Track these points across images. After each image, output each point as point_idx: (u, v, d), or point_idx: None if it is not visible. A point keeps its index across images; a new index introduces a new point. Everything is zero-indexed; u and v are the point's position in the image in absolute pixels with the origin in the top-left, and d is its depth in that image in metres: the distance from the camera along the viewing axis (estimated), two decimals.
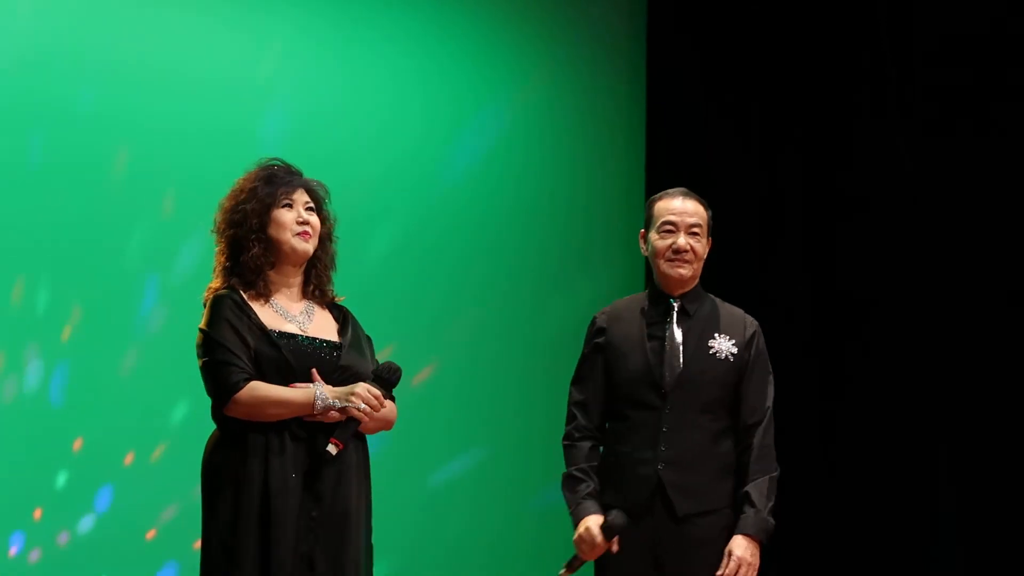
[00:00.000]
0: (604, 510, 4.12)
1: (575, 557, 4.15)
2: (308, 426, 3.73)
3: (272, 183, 3.85)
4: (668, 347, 4.19)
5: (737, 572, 4.07)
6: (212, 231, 3.88)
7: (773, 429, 4.22)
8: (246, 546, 3.65)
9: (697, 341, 4.20)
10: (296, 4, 5.90)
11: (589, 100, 6.71)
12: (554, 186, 6.57)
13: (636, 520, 4.07)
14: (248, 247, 3.81)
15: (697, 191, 4.34)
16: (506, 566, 6.25)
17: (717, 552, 4.10)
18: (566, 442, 4.30)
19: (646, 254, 4.30)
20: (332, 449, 3.69)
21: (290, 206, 3.86)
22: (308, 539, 3.70)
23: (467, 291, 6.26)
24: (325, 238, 3.93)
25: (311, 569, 3.69)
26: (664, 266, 4.22)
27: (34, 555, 5.13)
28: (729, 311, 4.30)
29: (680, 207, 4.24)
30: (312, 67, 5.93)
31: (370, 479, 3.89)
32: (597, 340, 4.29)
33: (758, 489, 4.12)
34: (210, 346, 3.74)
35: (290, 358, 3.75)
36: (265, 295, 3.84)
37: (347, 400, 3.71)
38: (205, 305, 3.82)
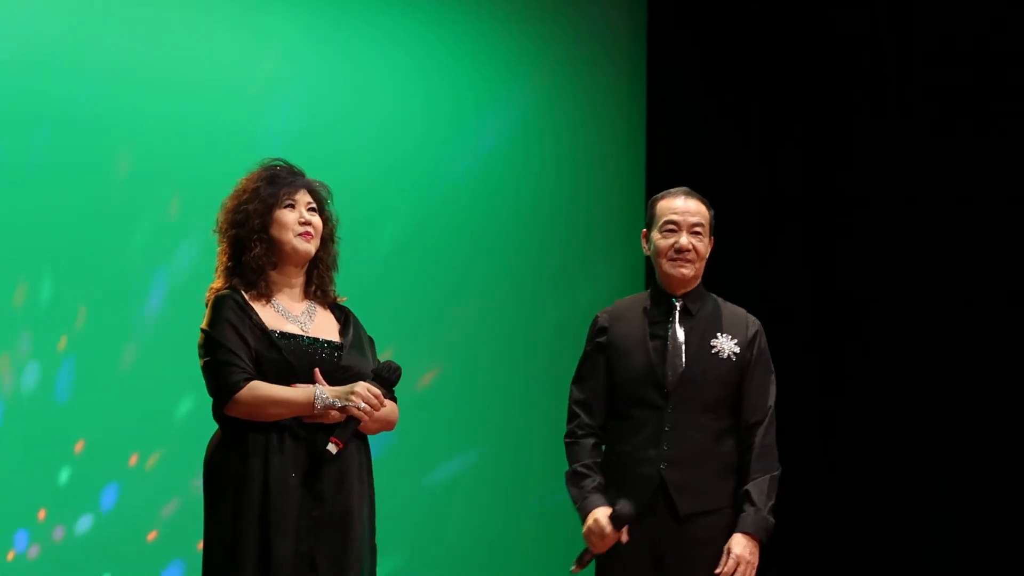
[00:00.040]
0: (611, 503, 4.10)
1: (585, 551, 4.13)
2: (309, 426, 3.73)
3: (275, 183, 3.85)
4: (670, 346, 4.19)
5: (736, 570, 4.07)
6: (214, 231, 3.88)
7: (775, 428, 4.22)
8: (246, 546, 3.65)
9: (699, 340, 4.20)
10: (296, 4, 5.89)
11: (589, 99, 6.71)
12: (554, 185, 6.57)
13: (638, 519, 4.07)
14: (250, 247, 3.81)
15: (697, 190, 4.33)
16: (507, 566, 6.25)
17: (718, 552, 4.10)
18: (568, 440, 4.29)
19: (648, 253, 4.30)
20: (332, 448, 3.69)
21: (292, 206, 3.86)
22: (309, 539, 3.70)
23: (467, 291, 6.25)
24: (327, 239, 3.93)
25: (312, 569, 3.69)
26: (666, 265, 4.22)
27: (38, 554, 5.13)
28: (731, 310, 4.30)
29: (682, 206, 4.24)
30: (312, 67, 5.93)
31: (372, 479, 3.89)
32: (599, 339, 4.29)
33: (758, 488, 4.12)
34: (211, 346, 3.75)
35: (291, 359, 3.76)
36: (267, 295, 3.84)
37: (347, 399, 3.71)
38: (207, 305, 3.82)
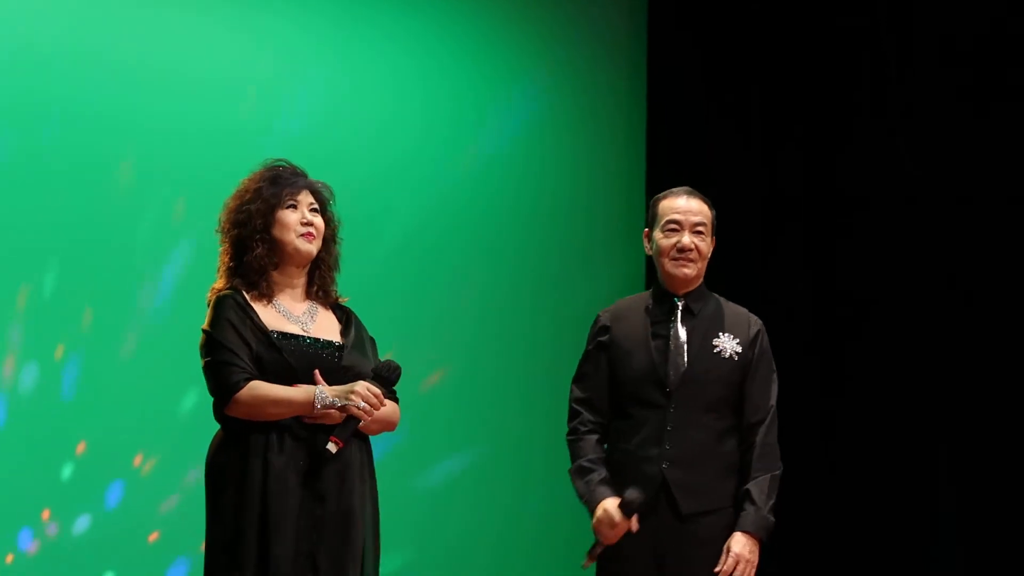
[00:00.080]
0: (618, 493, 4.09)
1: (596, 544, 4.10)
2: (310, 426, 3.73)
3: (277, 184, 3.85)
4: (673, 346, 4.19)
5: (735, 569, 4.07)
6: (216, 231, 3.89)
7: (776, 428, 4.22)
8: (247, 545, 3.66)
9: (701, 340, 4.20)
10: (296, 3, 5.89)
11: (590, 99, 6.71)
12: (555, 185, 6.57)
13: (639, 518, 4.06)
14: (252, 247, 3.81)
15: (698, 190, 4.34)
16: (508, 566, 6.25)
17: (719, 551, 4.10)
18: (571, 437, 4.28)
19: (650, 253, 4.30)
20: (332, 448, 3.70)
21: (295, 207, 3.86)
22: (311, 538, 3.71)
23: (468, 291, 6.25)
24: (329, 239, 3.94)
25: (314, 569, 3.70)
26: (668, 265, 4.22)
27: (41, 552, 5.13)
28: (733, 310, 4.30)
29: (684, 206, 4.24)
30: (312, 67, 5.92)
31: (375, 479, 3.89)
32: (601, 338, 4.29)
33: (759, 487, 4.13)
34: (212, 346, 3.76)
35: (291, 360, 3.76)
36: (268, 295, 3.84)
37: (347, 399, 3.71)
38: (208, 305, 3.83)
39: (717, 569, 4.07)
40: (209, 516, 3.78)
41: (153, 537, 5.36)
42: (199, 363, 3.80)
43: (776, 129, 6.57)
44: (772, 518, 4.13)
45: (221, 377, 3.72)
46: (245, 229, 3.82)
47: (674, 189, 4.31)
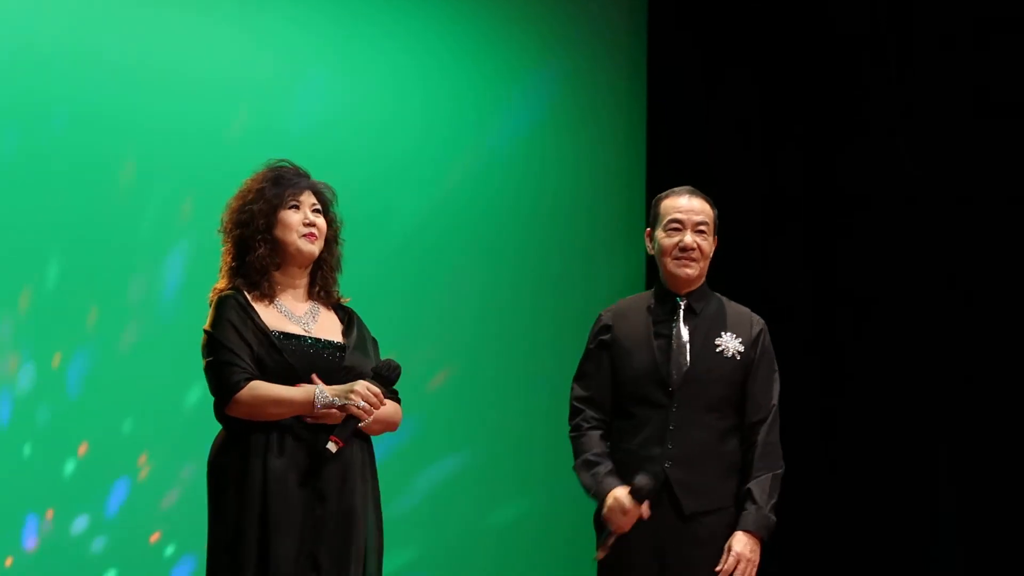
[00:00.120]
0: (627, 483, 4.08)
1: (608, 534, 4.07)
2: (311, 426, 3.73)
3: (279, 184, 3.86)
4: (675, 345, 4.19)
5: (736, 568, 4.07)
6: (219, 231, 3.89)
7: (778, 427, 4.22)
8: (248, 546, 3.66)
9: (704, 339, 4.20)
10: (297, 3, 5.88)
11: (590, 99, 6.72)
12: (555, 185, 6.57)
13: (643, 518, 4.06)
14: (254, 247, 3.82)
15: (698, 190, 4.34)
16: (508, 565, 6.25)
17: (721, 550, 4.10)
18: (573, 434, 4.27)
19: (652, 252, 4.30)
20: (332, 447, 3.70)
21: (297, 207, 3.86)
22: (313, 538, 3.70)
23: (469, 291, 6.25)
24: (331, 240, 3.94)
25: (316, 568, 3.70)
26: (671, 265, 4.22)
27: (45, 550, 5.13)
28: (736, 309, 4.30)
29: (687, 205, 4.24)
30: (312, 67, 5.91)
31: (377, 479, 3.89)
32: (602, 337, 4.29)
33: (760, 486, 4.13)
34: (213, 347, 3.76)
35: (292, 360, 3.76)
36: (270, 296, 3.85)
37: (346, 398, 3.71)
38: (210, 305, 3.83)
39: (718, 568, 4.07)
40: (211, 516, 3.78)
41: (157, 536, 5.36)
42: (201, 363, 3.80)
43: (776, 129, 6.58)
44: (773, 517, 4.13)
45: (222, 377, 3.73)
46: (247, 229, 3.82)
47: (676, 188, 4.31)
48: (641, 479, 4.02)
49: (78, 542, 5.18)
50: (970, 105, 6.02)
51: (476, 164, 6.31)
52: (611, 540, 4.06)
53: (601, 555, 4.08)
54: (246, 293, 3.81)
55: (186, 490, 5.24)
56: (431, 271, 6.13)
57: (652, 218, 4.30)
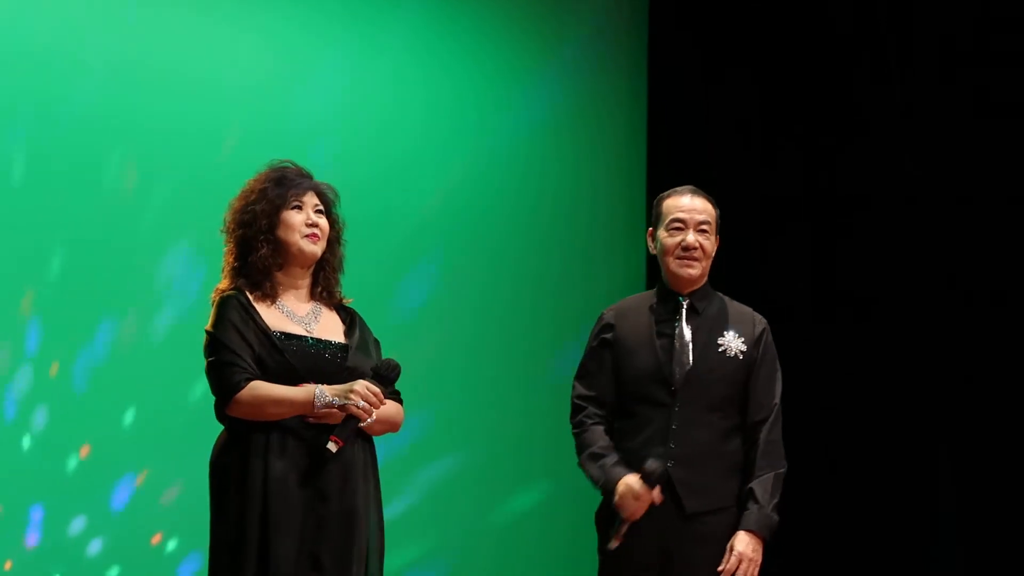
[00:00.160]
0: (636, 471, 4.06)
1: (621, 522, 4.04)
2: (313, 426, 3.74)
3: (282, 184, 3.87)
4: (677, 345, 4.18)
5: (738, 568, 4.07)
6: (221, 231, 3.90)
7: (781, 426, 4.22)
8: (248, 546, 3.67)
9: (706, 339, 4.20)
10: (297, 3, 5.88)
11: (591, 98, 6.72)
12: (556, 185, 6.58)
13: (645, 517, 4.05)
14: (257, 247, 3.83)
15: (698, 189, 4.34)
16: (509, 565, 6.25)
17: (723, 550, 4.09)
18: (576, 430, 4.26)
19: (654, 252, 4.30)
20: (332, 447, 3.71)
21: (300, 208, 3.87)
22: (314, 538, 3.71)
23: (469, 291, 6.26)
24: (334, 241, 3.95)
25: (317, 568, 3.71)
26: (673, 264, 4.22)
27: (46, 548, 5.14)
28: (738, 309, 4.30)
29: (689, 204, 4.24)
30: (312, 67, 5.92)
31: (378, 479, 3.90)
32: (604, 336, 4.28)
33: (762, 485, 4.12)
34: (214, 347, 3.78)
35: (294, 361, 3.77)
36: (272, 296, 3.85)
37: (346, 398, 3.71)
38: (212, 305, 3.84)
39: (720, 568, 4.06)
40: (213, 516, 3.79)
41: (162, 534, 5.37)
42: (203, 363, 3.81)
43: (776, 129, 6.58)
44: (776, 516, 4.13)
45: (222, 378, 3.74)
46: (250, 229, 3.83)
47: (678, 188, 4.31)
48: (651, 463, 4.00)
49: (80, 540, 5.19)
50: (970, 105, 6.02)
51: (476, 164, 6.32)
52: (624, 528, 4.03)
53: (615, 544, 4.05)
54: (248, 293, 3.82)
55: (191, 488, 5.24)
56: (431, 271, 6.13)
57: (654, 218, 4.30)
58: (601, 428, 4.22)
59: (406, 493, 5.78)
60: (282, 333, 3.79)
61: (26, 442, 5.11)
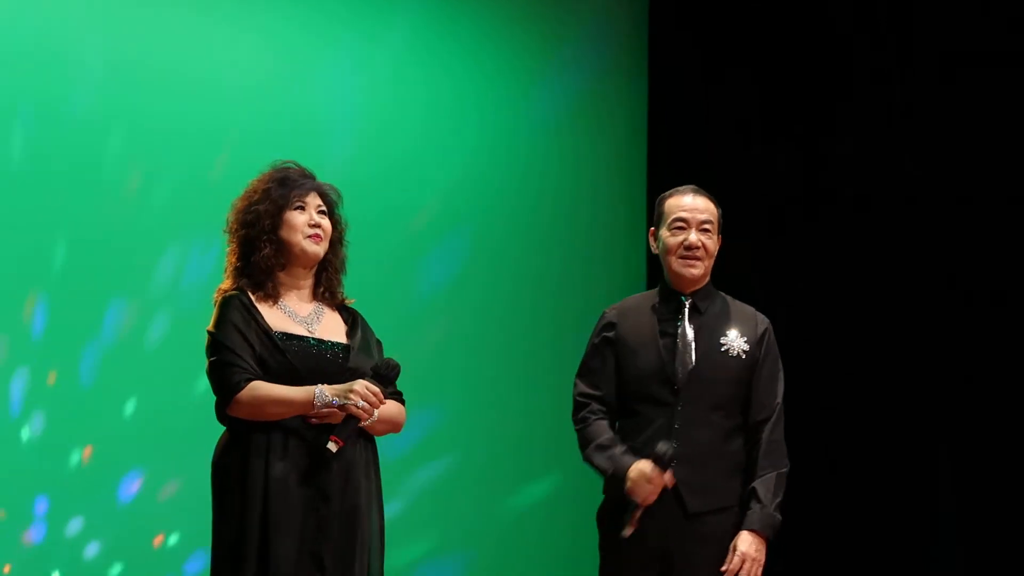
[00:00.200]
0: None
1: (635, 508, 4.02)
2: (315, 426, 3.74)
3: (285, 185, 3.87)
4: (680, 344, 4.18)
5: (741, 568, 4.06)
6: (224, 231, 3.91)
7: (783, 425, 4.22)
8: (249, 546, 3.68)
9: (709, 339, 4.19)
10: (297, 2, 5.88)
11: (591, 98, 6.72)
12: (556, 185, 6.58)
13: (646, 516, 4.04)
14: (260, 247, 3.83)
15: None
16: (509, 564, 6.25)
17: (726, 549, 4.09)
18: (580, 425, 4.24)
19: (656, 252, 4.29)
20: (332, 447, 3.70)
21: (302, 208, 3.88)
22: (317, 538, 3.71)
23: (470, 291, 6.26)
24: (336, 241, 3.95)
25: (320, 568, 3.71)
26: (676, 264, 4.21)
27: (49, 545, 5.14)
28: (740, 308, 4.30)
29: (691, 204, 4.24)
30: (312, 67, 5.92)
31: (380, 478, 3.90)
32: (607, 334, 4.27)
33: (765, 485, 4.12)
34: (215, 348, 3.78)
35: (295, 361, 3.77)
36: (274, 296, 3.86)
37: (346, 397, 3.71)
38: (215, 305, 3.84)
39: (724, 568, 4.06)
40: (215, 516, 3.79)
41: (164, 533, 5.37)
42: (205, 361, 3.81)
43: (776, 129, 6.57)
44: (779, 516, 4.13)
45: (223, 378, 3.74)
46: (253, 229, 3.83)
47: (680, 187, 4.31)
48: (662, 446, 4.00)
49: (82, 538, 5.20)
50: (970, 105, 6.02)
51: (477, 164, 6.32)
52: (638, 514, 4.02)
53: (629, 531, 4.02)
54: (250, 293, 3.82)
55: (194, 487, 5.23)
56: (431, 271, 6.13)
57: (656, 217, 4.30)
58: (605, 423, 4.21)
59: (406, 493, 5.78)
60: (284, 333, 3.80)
61: (28, 440, 5.11)
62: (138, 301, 5.36)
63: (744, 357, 4.20)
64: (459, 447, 6.14)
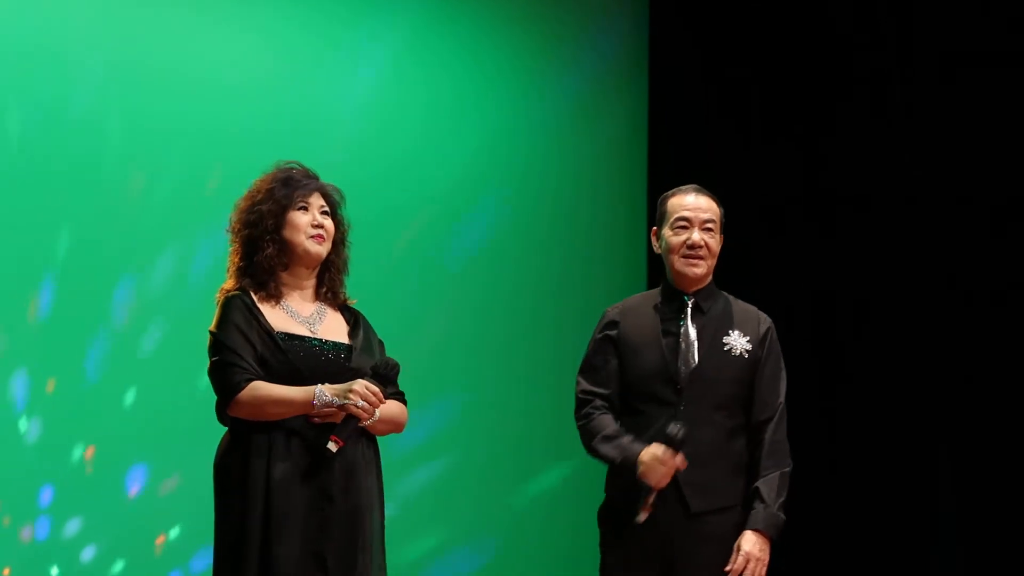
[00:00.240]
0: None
1: (648, 492, 4.00)
2: (316, 426, 3.74)
3: (289, 185, 3.87)
4: (683, 344, 4.17)
5: (746, 567, 4.05)
6: (227, 230, 3.90)
7: (786, 425, 4.22)
8: (251, 546, 3.67)
9: (712, 338, 4.19)
10: (297, 2, 5.87)
11: (592, 98, 6.72)
12: (556, 184, 6.58)
13: (648, 516, 4.04)
14: (262, 247, 3.83)
15: None
16: (509, 564, 6.25)
17: (728, 549, 4.08)
18: (584, 420, 4.22)
19: (658, 251, 4.28)
20: (332, 447, 3.70)
21: (305, 209, 3.88)
22: (319, 538, 3.71)
23: (471, 291, 6.26)
24: (339, 242, 3.95)
25: (323, 568, 3.70)
26: (679, 263, 4.20)
27: (52, 543, 5.14)
28: (743, 308, 4.29)
29: (693, 203, 4.23)
30: (312, 66, 5.92)
31: (382, 477, 3.90)
32: (609, 332, 4.26)
33: (768, 484, 4.11)
34: (216, 348, 3.78)
35: (297, 361, 3.77)
36: (276, 296, 3.86)
37: (345, 397, 3.71)
38: (217, 305, 3.84)
39: (728, 568, 4.05)
40: (217, 516, 3.79)
41: (166, 532, 5.37)
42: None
43: (776, 128, 6.57)
44: (782, 515, 4.12)
45: (223, 378, 3.74)
46: (256, 229, 3.83)
47: (682, 187, 4.30)
48: (673, 427, 3.99)
49: (83, 536, 5.20)
50: (970, 105, 6.02)
51: (476, 164, 6.32)
52: (652, 497, 4.00)
53: (644, 516, 4.01)
54: (252, 293, 3.82)
55: (196, 485, 5.23)
56: (431, 271, 6.13)
57: (658, 216, 4.28)
58: (610, 416, 4.19)
59: (406, 492, 5.78)
60: (286, 333, 3.80)
61: (29, 438, 5.12)
62: (139, 300, 5.36)
63: (747, 357, 4.19)
64: (459, 447, 6.14)
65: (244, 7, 5.76)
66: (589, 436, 4.18)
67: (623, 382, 4.22)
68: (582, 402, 4.25)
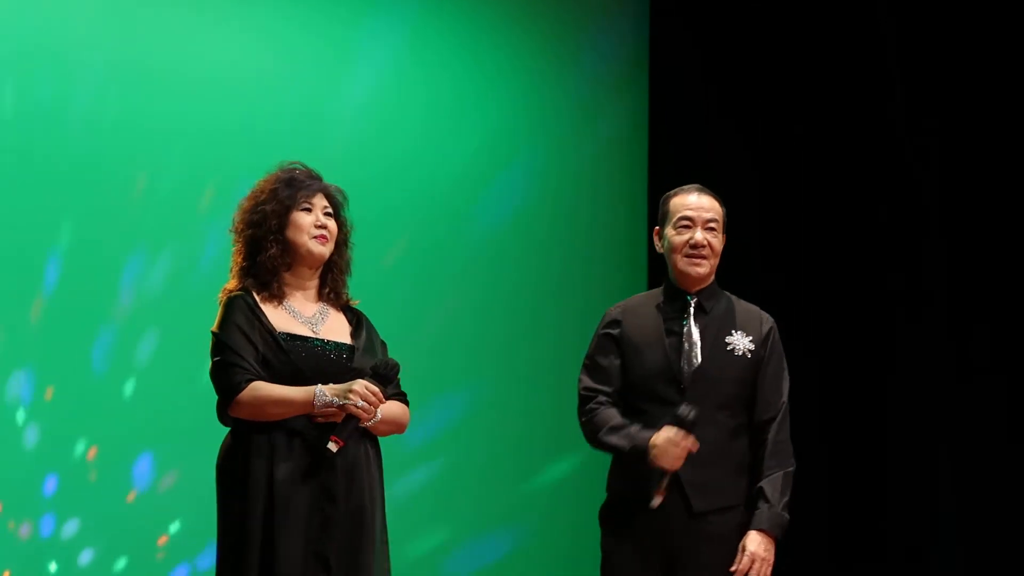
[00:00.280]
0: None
1: (662, 476, 3.98)
2: (318, 426, 3.74)
3: (292, 186, 3.88)
4: (686, 343, 4.16)
5: (751, 568, 4.05)
6: (230, 231, 3.91)
7: (788, 424, 4.21)
8: (252, 546, 3.68)
9: (715, 338, 4.18)
10: (297, 2, 5.87)
11: (592, 98, 6.72)
12: (556, 185, 6.58)
13: (650, 515, 4.04)
14: (266, 247, 3.83)
15: None
16: (510, 564, 6.25)
17: (731, 549, 4.07)
18: (588, 415, 4.20)
19: (661, 251, 4.27)
20: (332, 447, 3.70)
21: (309, 209, 3.88)
22: (322, 538, 3.71)
23: (471, 292, 6.25)
24: (342, 243, 3.96)
25: (326, 568, 3.71)
26: (681, 263, 4.19)
27: (53, 540, 5.14)
28: (745, 308, 4.28)
29: (696, 202, 4.22)
30: (312, 66, 5.91)
31: (383, 477, 3.90)
32: (611, 331, 4.25)
33: (772, 484, 4.11)
34: (218, 348, 3.78)
35: (299, 362, 3.78)
36: (279, 296, 3.86)
37: (345, 397, 3.71)
38: (220, 305, 3.84)
39: (733, 568, 4.05)
40: (219, 517, 3.80)
41: (168, 531, 5.37)
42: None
43: (776, 129, 6.57)
44: (787, 515, 4.12)
45: (224, 378, 3.75)
46: (259, 229, 3.83)
47: (685, 186, 4.29)
48: (683, 408, 3.98)
49: (83, 536, 5.20)
50: (970, 106, 6.02)
51: (476, 164, 6.31)
52: (665, 481, 3.99)
53: (658, 501, 3.99)
54: (255, 294, 3.83)
55: (198, 483, 5.22)
56: (432, 271, 6.13)
57: (660, 216, 4.27)
58: (615, 409, 4.17)
59: (407, 492, 5.77)
60: (288, 334, 3.80)
61: (31, 437, 5.12)
62: (139, 300, 5.36)
63: (749, 356, 4.18)
64: (459, 447, 6.13)
65: (244, 7, 5.76)
66: (595, 429, 4.16)
67: (625, 382, 4.21)
68: (585, 399, 4.23)
